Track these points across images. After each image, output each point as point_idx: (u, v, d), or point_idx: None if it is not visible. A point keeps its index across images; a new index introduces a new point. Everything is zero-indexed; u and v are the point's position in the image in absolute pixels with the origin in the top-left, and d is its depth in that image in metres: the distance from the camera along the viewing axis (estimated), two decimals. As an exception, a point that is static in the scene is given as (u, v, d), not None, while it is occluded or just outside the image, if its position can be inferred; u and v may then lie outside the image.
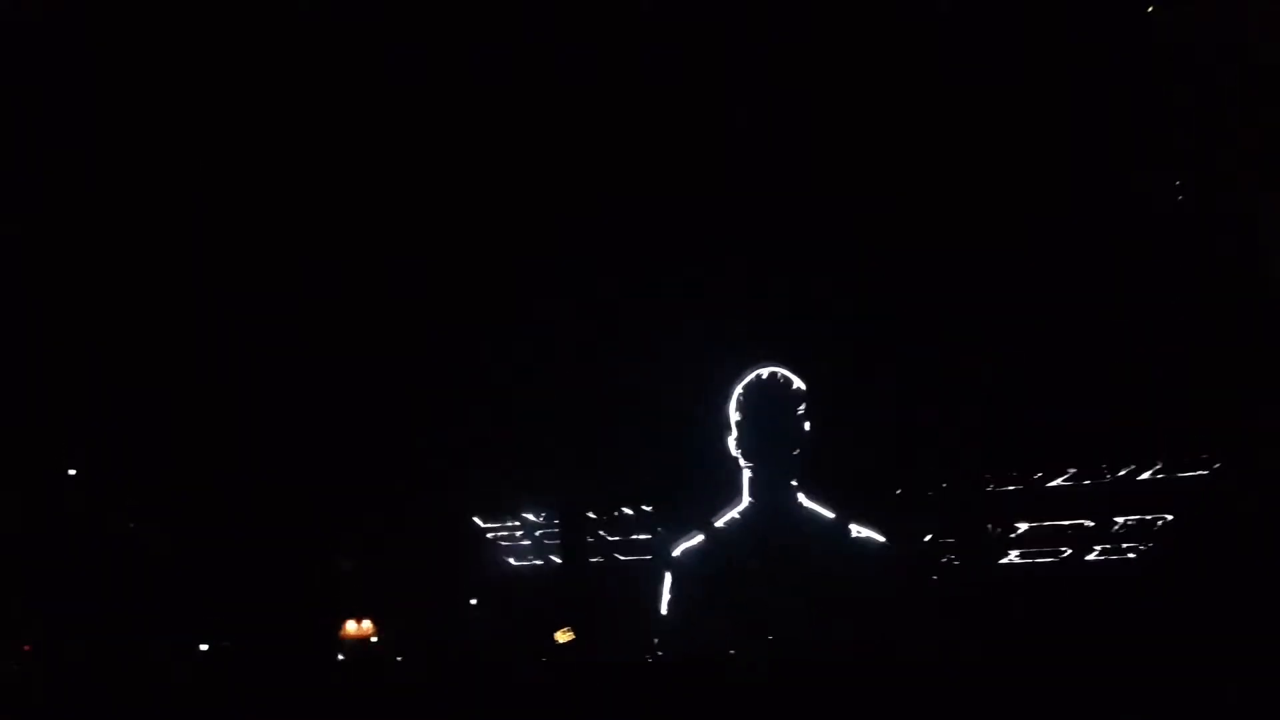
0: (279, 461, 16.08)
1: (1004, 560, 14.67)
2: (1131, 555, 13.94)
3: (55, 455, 16.75)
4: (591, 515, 17.15)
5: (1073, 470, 14.76)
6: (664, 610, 16.16)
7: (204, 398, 15.95)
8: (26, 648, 15.66)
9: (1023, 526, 14.83)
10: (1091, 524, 14.38)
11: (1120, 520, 14.24)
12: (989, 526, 14.78)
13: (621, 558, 17.19)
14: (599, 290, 16.15)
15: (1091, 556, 14.30)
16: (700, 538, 16.30)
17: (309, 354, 16.08)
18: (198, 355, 15.84)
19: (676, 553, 16.42)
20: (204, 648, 16.10)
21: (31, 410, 15.59)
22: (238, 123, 15.28)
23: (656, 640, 15.86)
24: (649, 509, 16.96)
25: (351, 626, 16.96)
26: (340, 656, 16.60)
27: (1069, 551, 14.65)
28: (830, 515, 15.78)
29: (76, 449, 16.70)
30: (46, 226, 15.29)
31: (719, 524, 16.39)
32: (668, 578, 16.31)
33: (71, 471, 16.83)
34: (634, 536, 17.04)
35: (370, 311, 15.95)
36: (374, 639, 17.02)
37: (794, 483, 15.94)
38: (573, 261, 15.91)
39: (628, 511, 17.34)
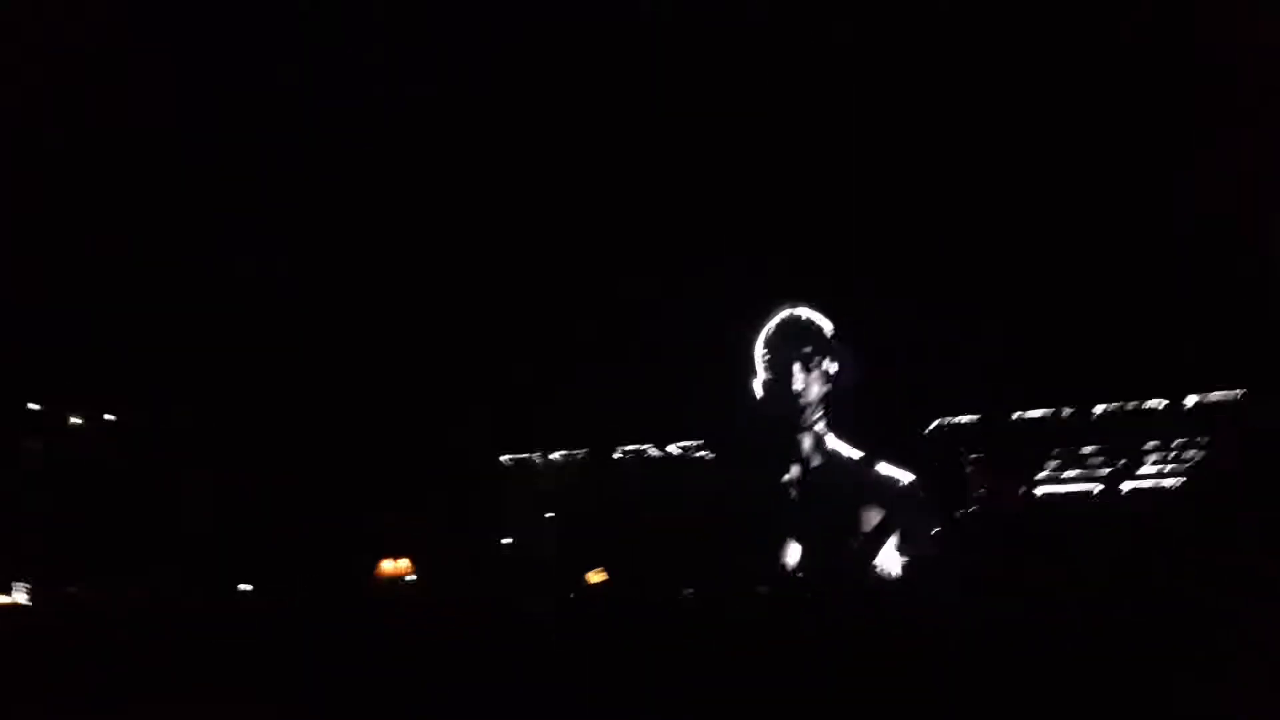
0: (318, 408, 16.31)
1: (1035, 493, 14.69)
2: (1166, 483, 13.93)
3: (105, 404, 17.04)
4: (619, 454, 17.36)
5: (1103, 406, 14.71)
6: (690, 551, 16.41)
7: (247, 347, 16.15)
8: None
9: (1052, 464, 14.85)
10: (1123, 459, 14.37)
11: (1151, 445, 14.21)
12: (1018, 463, 14.79)
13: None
14: (622, 235, 16.06)
15: (1125, 487, 14.30)
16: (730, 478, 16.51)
17: (347, 301, 16.19)
18: (241, 307, 16.01)
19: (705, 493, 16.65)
20: (244, 588, 16.54)
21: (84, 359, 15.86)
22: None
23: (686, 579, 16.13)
24: (675, 450, 17.14)
25: (387, 565, 17.35)
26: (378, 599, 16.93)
27: (1100, 487, 14.64)
28: (857, 454, 15.89)
29: (132, 398, 16.99)
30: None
31: (744, 465, 16.58)
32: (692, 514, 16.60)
33: (110, 417, 17.16)
34: (663, 476, 17.29)
35: (409, 261, 15.99)
36: (409, 577, 17.41)
37: (820, 423, 16.11)
38: (606, 209, 15.83)
39: (654, 453, 17.51)
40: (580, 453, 17.80)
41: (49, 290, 15.12)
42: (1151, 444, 14.28)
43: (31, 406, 17.03)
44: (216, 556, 16.53)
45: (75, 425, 17.56)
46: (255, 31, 14.01)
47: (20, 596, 16.84)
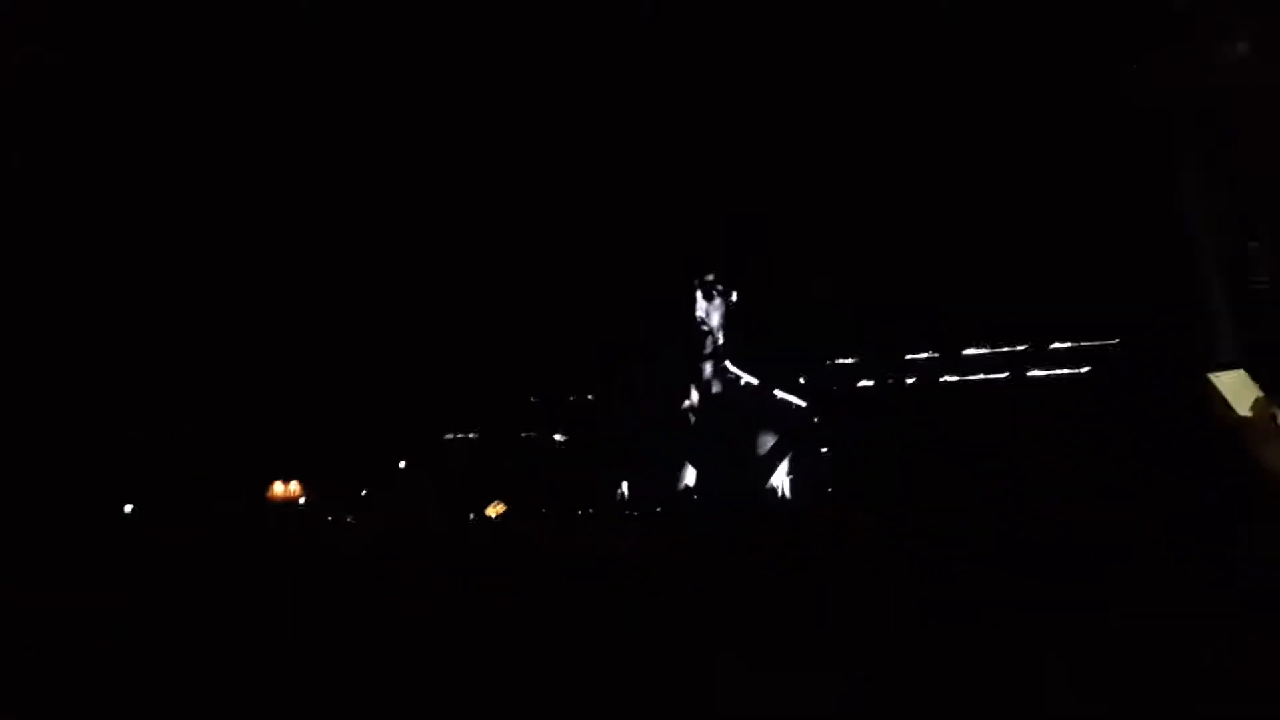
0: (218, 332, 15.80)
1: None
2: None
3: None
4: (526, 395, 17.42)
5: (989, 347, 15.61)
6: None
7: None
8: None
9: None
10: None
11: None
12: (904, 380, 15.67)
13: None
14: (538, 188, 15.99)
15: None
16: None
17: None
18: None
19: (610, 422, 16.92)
20: (128, 509, 15.84)
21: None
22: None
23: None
24: (573, 382, 17.30)
25: (279, 488, 16.93)
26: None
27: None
28: (755, 381, 16.49)
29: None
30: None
31: (644, 391, 16.93)
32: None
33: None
34: (559, 405, 17.46)
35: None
36: (301, 500, 17.06)
37: (720, 350, 16.63)
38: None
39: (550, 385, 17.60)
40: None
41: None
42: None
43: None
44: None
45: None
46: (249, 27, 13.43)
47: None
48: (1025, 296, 14.71)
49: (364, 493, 17.47)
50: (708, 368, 16.60)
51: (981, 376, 15.35)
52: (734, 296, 16.46)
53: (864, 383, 15.92)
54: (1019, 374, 15.01)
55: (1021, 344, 15.12)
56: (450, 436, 17.61)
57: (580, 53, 14.43)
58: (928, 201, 15.19)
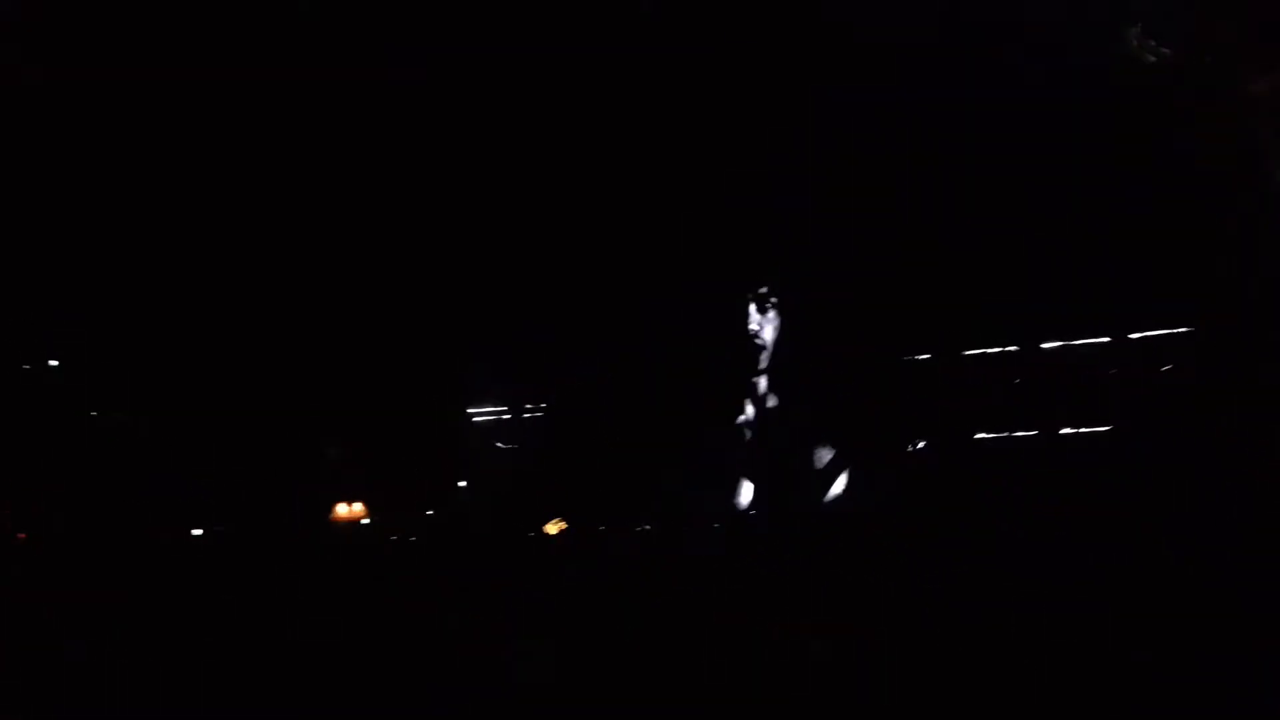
0: (263, 343, 16.12)
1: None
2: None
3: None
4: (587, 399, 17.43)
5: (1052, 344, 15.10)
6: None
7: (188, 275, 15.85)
8: (21, 535, 15.78)
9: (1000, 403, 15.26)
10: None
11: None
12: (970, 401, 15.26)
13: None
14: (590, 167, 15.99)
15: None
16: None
17: (294, 235, 15.93)
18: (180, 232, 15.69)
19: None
20: (197, 533, 16.30)
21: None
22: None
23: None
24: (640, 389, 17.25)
25: (342, 509, 17.24)
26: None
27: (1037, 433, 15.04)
28: (811, 395, 16.19)
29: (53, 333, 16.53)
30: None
31: (698, 407, 16.80)
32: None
33: (53, 362, 16.74)
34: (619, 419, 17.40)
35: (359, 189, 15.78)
36: (365, 521, 17.34)
37: (774, 363, 16.40)
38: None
39: (608, 397, 17.60)
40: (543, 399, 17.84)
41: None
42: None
43: None
44: (161, 500, 16.27)
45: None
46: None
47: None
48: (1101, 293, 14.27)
49: (429, 513, 17.69)
50: (761, 382, 16.39)
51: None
52: (787, 309, 16.25)
53: (924, 387, 15.58)
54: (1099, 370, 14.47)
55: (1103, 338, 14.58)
56: (506, 448, 17.76)
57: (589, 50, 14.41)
58: (986, 203, 14.82)
